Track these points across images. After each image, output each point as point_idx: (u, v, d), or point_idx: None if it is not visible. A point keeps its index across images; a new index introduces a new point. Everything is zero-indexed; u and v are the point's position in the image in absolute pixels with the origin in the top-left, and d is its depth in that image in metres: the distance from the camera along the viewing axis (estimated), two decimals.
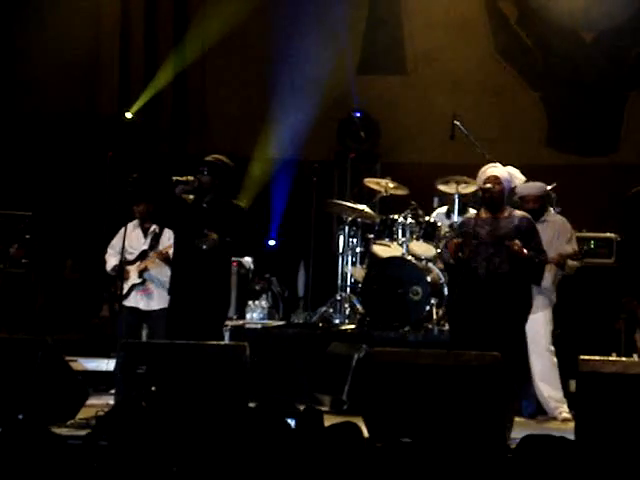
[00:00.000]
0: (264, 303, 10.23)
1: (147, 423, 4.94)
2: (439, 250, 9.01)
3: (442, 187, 9.77)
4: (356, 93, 12.20)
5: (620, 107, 11.81)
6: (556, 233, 8.24)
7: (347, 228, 10.00)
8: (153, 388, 6.83)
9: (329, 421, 4.94)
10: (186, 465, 4.63)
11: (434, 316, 9.26)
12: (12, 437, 4.53)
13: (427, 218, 9.68)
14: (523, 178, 7.69)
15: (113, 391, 8.35)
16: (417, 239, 9.61)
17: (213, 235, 7.41)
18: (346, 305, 9.73)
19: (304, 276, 11.27)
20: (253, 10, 12.01)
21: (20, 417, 6.82)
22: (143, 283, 8.56)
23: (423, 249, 9.62)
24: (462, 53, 12.11)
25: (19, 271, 10.60)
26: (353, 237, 10.03)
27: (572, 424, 6.69)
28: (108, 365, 8.81)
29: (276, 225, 12.26)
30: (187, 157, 11.91)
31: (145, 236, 8.68)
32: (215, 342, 7.36)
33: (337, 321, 9.62)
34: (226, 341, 9.13)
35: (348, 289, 9.87)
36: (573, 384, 7.75)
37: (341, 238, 10.07)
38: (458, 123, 9.87)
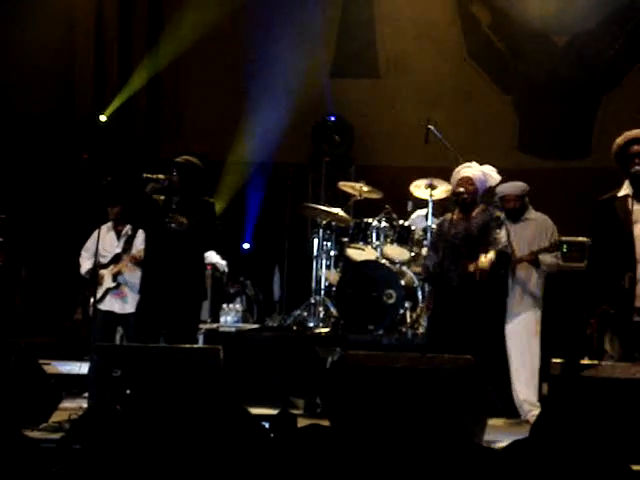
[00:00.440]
0: (238, 306, 10.23)
1: (121, 426, 4.94)
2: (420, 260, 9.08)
3: (415, 191, 9.81)
4: (330, 97, 12.23)
5: (592, 111, 11.89)
6: (538, 231, 8.29)
7: (321, 232, 10.01)
8: (127, 391, 6.82)
9: (303, 424, 4.95)
10: (160, 468, 4.63)
11: (408, 319, 9.29)
12: None
13: (401, 222, 9.72)
14: (499, 177, 7.70)
15: (86, 394, 8.34)
16: (391, 243, 9.64)
17: (182, 218, 7.41)
18: (320, 308, 9.74)
19: (279, 279, 11.28)
20: (227, 14, 12.03)
21: None
22: (117, 287, 8.56)
23: (397, 253, 9.65)
24: (434, 57, 12.16)
25: None
26: (327, 241, 10.04)
27: None
28: (81, 368, 8.80)
29: (250, 228, 12.27)
30: (160, 160, 11.89)
31: (118, 239, 8.68)
32: (189, 345, 7.35)
33: (311, 324, 9.63)
34: (200, 344, 9.15)
35: (322, 292, 9.88)
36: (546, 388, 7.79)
37: (315, 241, 10.08)
38: (432, 127, 9.90)
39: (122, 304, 8.56)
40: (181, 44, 12.25)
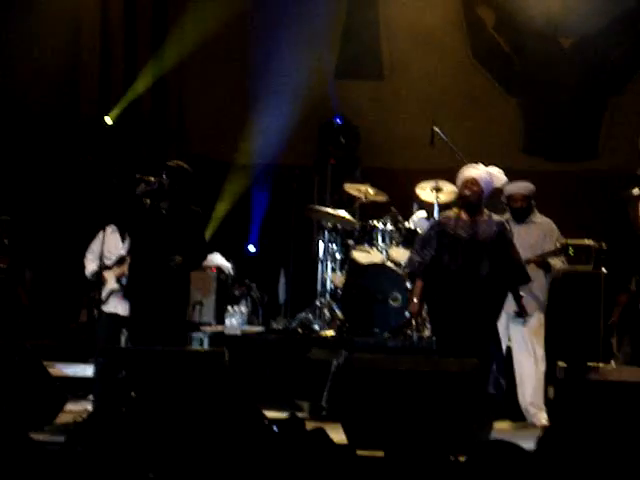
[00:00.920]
0: (243, 309, 10.20)
1: (126, 429, 4.92)
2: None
3: (421, 193, 9.79)
4: (335, 99, 12.21)
5: (599, 113, 11.85)
6: (542, 234, 8.25)
7: (327, 234, 9.99)
8: (132, 394, 6.81)
9: (308, 427, 4.94)
10: (164, 471, 4.62)
11: (413, 322, 9.26)
12: None
13: (407, 224, 9.70)
14: (505, 179, 7.67)
15: (91, 397, 8.33)
16: (397, 245, 9.63)
17: (178, 257, 7.48)
18: (326, 311, 9.71)
19: (284, 282, 11.26)
20: (232, 16, 12.01)
21: None
22: (122, 289, 8.54)
23: (403, 255, 9.61)
24: (439, 58, 12.13)
25: None
26: (333, 243, 10.02)
27: None
28: (86, 371, 8.78)
29: (256, 231, 12.26)
30: (152, 162, 11.91)
31: (123, 241, 8.66)
32: (194, 348, 7.35)
33: (317, 327, 9.61)
34: (205, 347, 9.15)
35: (328, 295, 9.86)
36: (552, 391, 7.77)
37: (321, 244, 10.07)
38: (437, 129, 9.89)
39: (126, 306, 8.53)
40: (186, 47, 12.25)
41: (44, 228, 11.82)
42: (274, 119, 11.95)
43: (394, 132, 12.11)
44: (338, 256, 10.03)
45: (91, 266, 8.59)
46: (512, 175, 8.02)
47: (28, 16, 11.69)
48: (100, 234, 8.39)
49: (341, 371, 7.94)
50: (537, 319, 8.22)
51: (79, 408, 7.94)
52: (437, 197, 9.61)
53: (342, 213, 9.92)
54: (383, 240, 9.66)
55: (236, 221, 12.14)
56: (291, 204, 10.62)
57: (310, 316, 9.75)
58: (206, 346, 9.29)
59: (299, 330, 9.59)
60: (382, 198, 10.13)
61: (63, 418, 7.23)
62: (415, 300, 7.39)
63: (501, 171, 7.61)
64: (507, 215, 8.14)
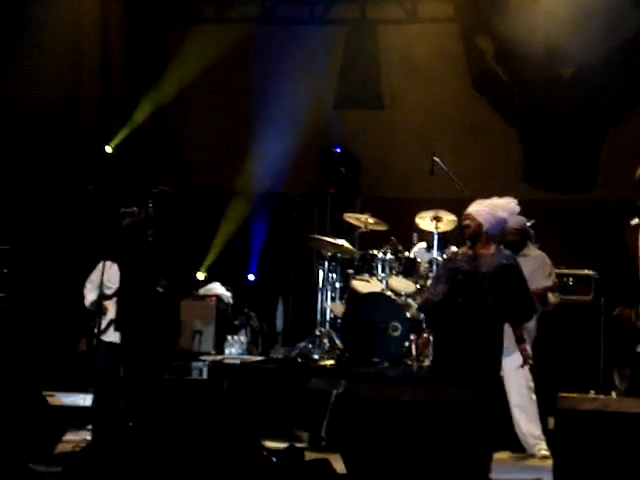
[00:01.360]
0: (243, 338, 10.21)
1: (124, 458, 4.91)
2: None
3: (420, 223, 9.81)
4: (335, 128, 12.25)
5: (598, 144, 11.88)
6: (536, 267, 8.26)
7: (327, 263, 10.00)
8: (130, 424, 6.80)
9: (307, 457, 4.93)
10: None
11: (413, 352, 9.26)
12: None
13: (407, 254, 9.71)
14: (512, 209, 7.55)
15: (90, 426, 8.30)
16: (397, 275, 9.64)
17: (164, 281, 7.51)
18: (325, 340, 9.71)
19: (283, 311, 11.26)
20: (232, 46, 12.08)
21: None
22: None
23: (403, 285, 9.64)
24: (439, 88, 12.18)
25: None
26: (333, 272, 10.04)
27: (550, 461, 6.68)
28: (85, 400, 8.76)
29: (256, 260, 12.26)
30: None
31: None
32: (194, 378, 7.35)
33: (316, 357, 9.61)
34: (204, 376, 9.13)
35: (327, 324, 9.86)
36: (552, 421, 7.75)
37: (320, 273, 10.07)
38: (437, 159, 9.92)
39: None
40: (186, 76, 12.32)
41: (44, 257, 11.82)
42: (274, 148, 11.99)
43: (394, 161, 12.14)
44: (338, 285, 10.04)
45: (90, 296, 8.58)
46: None
47: (29, 46, 11.75)
48: (100, 264, 8.40)
49: (341, 401, 7.91)
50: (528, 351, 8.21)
51: (78, 438, 7.92)
52: (437, 227, 9.62)
53: (342, 242, 9.94)
54: (383, 269, 9.67)
55: (236, 250, 12.15)
56: (291, 233, 10.65)
57: (309, 345, 9.75)
58: (205, 375, 9.27)
59: (298, 359, 9.59)
60: (382, 227, 10.15)
61: (62, 448, 7.20)
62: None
63: (511, 200, 7.51)
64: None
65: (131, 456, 5.12)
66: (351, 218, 10.34)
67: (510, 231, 8.21)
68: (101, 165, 12.26)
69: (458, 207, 8.52)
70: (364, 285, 9.75)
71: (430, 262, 9.56)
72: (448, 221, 9.64)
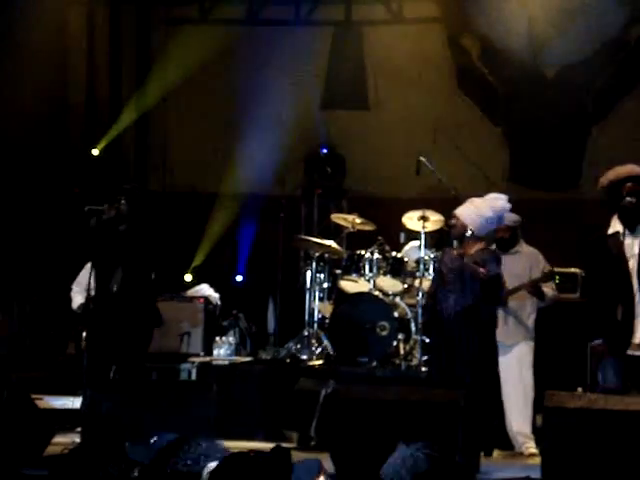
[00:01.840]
0: (231, 339, 10.21)
1: (111, 460, 4.92)
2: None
3: (408, 223, 9.83)
4: (321, 128, 12.27)
5: (582, 142, 11.92)
6: (528, 264, 8.27)
7: (314, 264, 10.02)
8: (118, 425, 6.80)
9: (296, 457, 4.94)
10: None
11: (401, 351, 9.29)
12: None
13: (394, 253, 9.73)
14: (500, 208, 7.54)
15: (79, 429, 8.30)
16: (384, 274, 9.66)
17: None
18: (313, 341, 9.73)
19: (272, 312, 11.27)
20: (216, 48, 12.07)
21: None
22: None
23: (390, 284, 9.66)
24: (424, 88, 12.19)
25: None
26: (320, 273, 10.05)
27: (538, 459, 6.71)
28: (74, 403, 8.75)
29: (243, 261, 12.27)
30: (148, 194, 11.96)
31: None
32: (182, 379, 7.36)
33: (305, 357, 9.62)
34: (193, 377, 9.15)
35: (316, 325, 9.87)
36: (540, 419, 7.78)
37: (308, 274, 10.09)
38: (423, 159, 9.94)
39: None
40: (170, 79, 12.31)
41: (32, 261, 11.81)
42: (260, 150, 11.99)
43: (381, 162, 12.16)
44: (325, 285, 10.05)
45: (77, 298, 8.58)
46: None
47: (14, 50, 11.73)
48: (87, 266, 8.39)
49: (329, 401, 7.94)
50: (525, 347, 8.24)
51: (67, 440, 7.91)
52: (424, 226, 9.65)
53: (329, 243, 9.95)
54: (370, 269, 9.69)
55: (223, 252, 12.16)
56: (278, 234, 10.65)
57: (298, 346, 9.76)
58: (194, 377, 9.28)
59: (287, 360, 9.60)
60: (369, 227, 10.17)
61: (51, 450, 7.20)
62: None
63: (500, 197, 7.51)
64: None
65: (118, 458, 5.13)
66: (338, 219, 10.37)
67: (501, 228, 8.22)
68: (87, 168, 12.25)
69: (445, 207, 8.57)
70: (352, 285, 9.77)
71: (418, 261, 9.59)
72: (435, 221, 9.67)
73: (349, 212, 10.53)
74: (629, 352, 6.46)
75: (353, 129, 12.38)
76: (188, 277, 11.78)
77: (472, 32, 12.20)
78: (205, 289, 10.52)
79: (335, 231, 10.62)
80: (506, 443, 8.18)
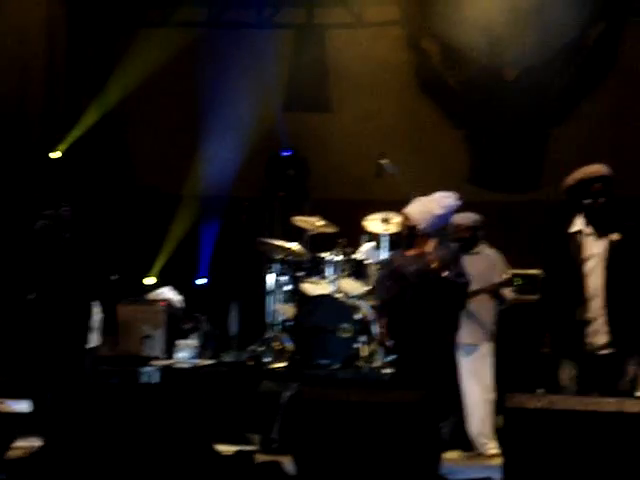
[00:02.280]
0: (194, 342, 10.19)
1: (73, 464, 4.89)
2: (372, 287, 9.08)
3: (369, 225, 9.86)
4: (284, 130, 12.27)
5: (542, 144, 12.01)
6: (488, 266, 8.31)
7: (277, 266, 10.02)
8: (81, 428, 6.76)
9: (259, 460, 4.95)
10: None
11: (363, 353, 9.30)
12: None
13: (356, 255, 9.76)
14: (447, 204, 7.58)
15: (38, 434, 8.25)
16: (347, 276, 9.68)
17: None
18: (276, 343, 9.73)
19: (234, 315, 11.26)
20: (179, 50, 12.05)
21: None
22: None
23: (353, 286, 9.69)
24: (386, 91, 12.24)
25: None
26: (283, 275, 10.05)
27: (499, 460, 6.75)
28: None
29: (206, 263, 12.25)
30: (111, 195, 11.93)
31: None
32: (143, 382, 7.34)
33: (267, 360, 9.62)
34: (155, 381, 9.11)
35: (278, 327, 9.87)
36: (501, 420, 7.83)
37: (271, 276, 10.09)
38: (383, 162, 9.96)
39: None
40: (132, 81, 12.25)
41: None
42: (223, 151, 11.99)
43: (343, 164, 12.17)
44: (288, 288, 10.05)
45: None
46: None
47: None
48: None
49: (291, 403, 7.95)
50: (485, 348, 8.29)
51: (28, 444, 7.85)
52: (386, 228, 9.68)
53: (291, 245, 9.96)
54: (333, 271, 9.71)
55: (185, 254, 12.13)
56: (240, 236, 10.64)
57: (260, 349, 9.75)
58: (156, 380, 9.24)
59: (249, 363, 9.59)
60: (331, 230, 10.19)
61: (12, 455, 7.15)
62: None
63: (448, 195, 7.53)
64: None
65: (80, 462, 5.10)
66: (300, 221, 10.37)
67: (462, 228, 8.27)
68: (49, 170, 12.17)
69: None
70: (314, 287, 9.78)
71: (380, 263, 9.62)
72: (396, 223, 9.70)
73: (311, 214, 10.54)
74: (589, 352, 6.49)
75: (315, 131, 12.39)
76: (152, 279, 11.74)
77: (432, 35, 12.26)
78: (167, 292, 10.49)
79: (298, 233, 10.62)
80: (467, 444, 8.22)
